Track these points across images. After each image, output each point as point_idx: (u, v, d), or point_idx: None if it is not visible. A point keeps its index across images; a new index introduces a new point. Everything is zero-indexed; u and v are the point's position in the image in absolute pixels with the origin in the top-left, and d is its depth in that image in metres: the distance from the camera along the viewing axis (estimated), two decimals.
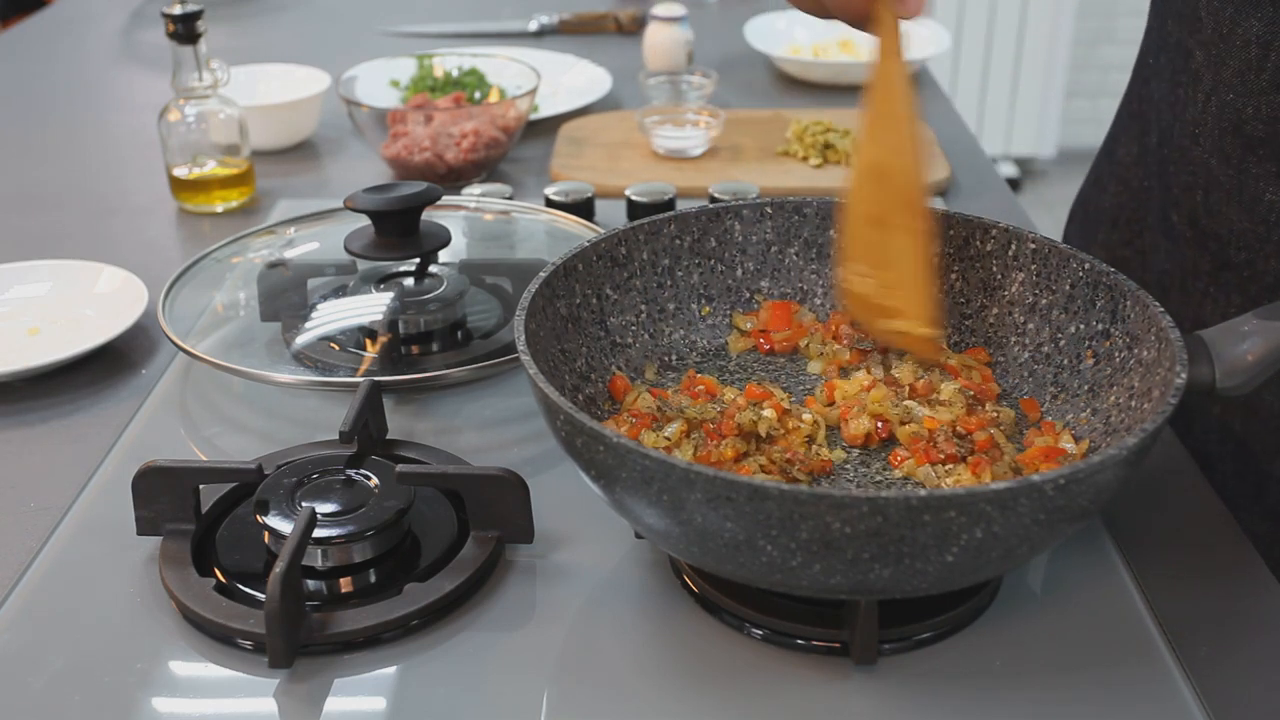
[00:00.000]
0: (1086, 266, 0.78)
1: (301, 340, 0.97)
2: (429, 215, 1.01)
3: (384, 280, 1.00)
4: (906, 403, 0.78)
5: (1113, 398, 0.75)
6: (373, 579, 0.73)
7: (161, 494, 0.75)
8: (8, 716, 0.66)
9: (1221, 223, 0.89)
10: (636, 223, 0.84)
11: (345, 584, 0.73)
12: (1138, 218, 1.02)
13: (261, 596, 0.70)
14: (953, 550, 0.60)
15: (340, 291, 1.02)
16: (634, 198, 1.16)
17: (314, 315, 1.00)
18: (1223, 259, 0.90)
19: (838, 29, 1.79)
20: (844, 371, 0.83)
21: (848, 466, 0.75)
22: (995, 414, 0.77)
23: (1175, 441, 0.89)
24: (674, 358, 0.86)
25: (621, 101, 1.58)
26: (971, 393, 0.78)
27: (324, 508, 0.73)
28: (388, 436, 0.85)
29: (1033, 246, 0.82)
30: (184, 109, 1.25)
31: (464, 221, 1.14)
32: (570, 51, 1.71)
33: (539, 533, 0.76)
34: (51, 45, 1.87)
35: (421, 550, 0.76)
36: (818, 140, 1.35)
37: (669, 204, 1.15)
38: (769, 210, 0.87)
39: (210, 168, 1.27)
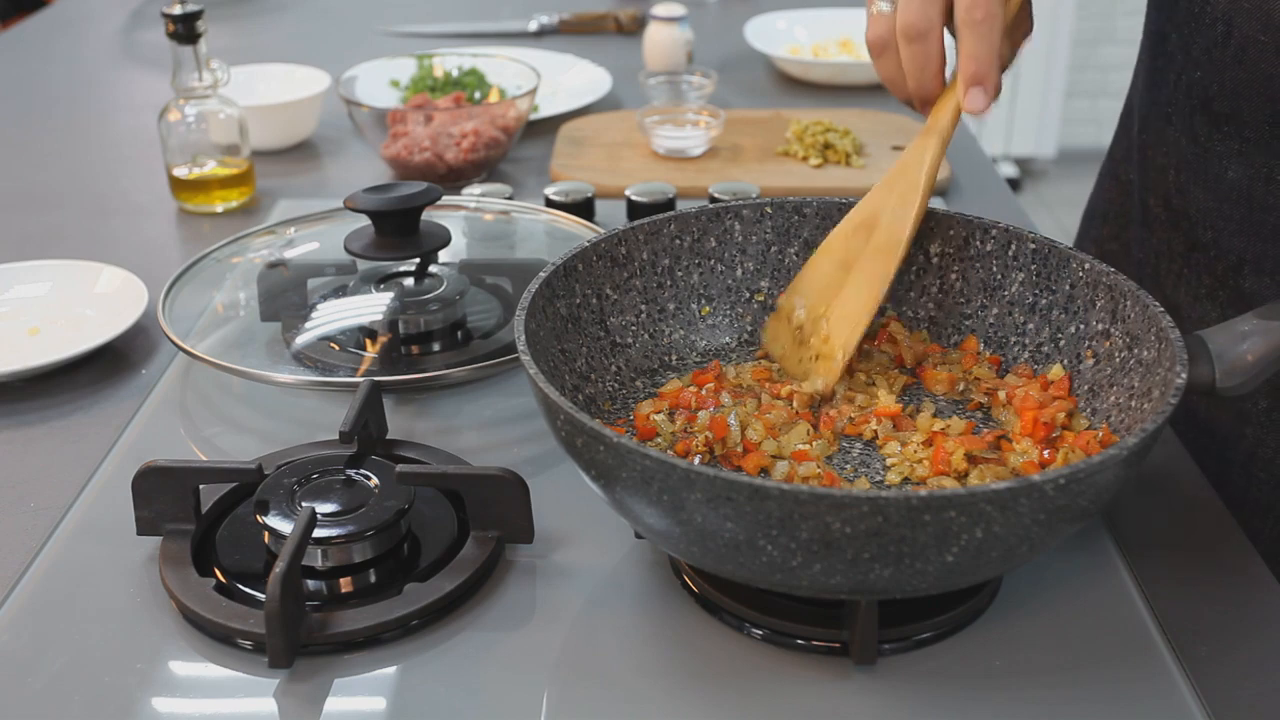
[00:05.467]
0: (1086, 266, 0.78)
1: (301, 340, 0.97)
2: (429, 215, 1.01)
3: (384, 280, 1.00)
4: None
5: (1113, 398, 0.75)
6: (372, 579, 0.73)
7: (161, 494, 0.75)
8: (8, 716, 0.66)
9: (1190, 202, 0.90)
10: (636, 223, 0.84)
11: (345, 584, 0.73)
12: (1124, 211, 1.03)
13: (261, 596, 0.70)
14: (953, 550, 0.60)
15: (340, 291, 1.02)
16: (634, 198, 1.16)
17: (314, 315, 1.00)
18: (1192, 239, 0.91)
19: (838, 28, 1.79)
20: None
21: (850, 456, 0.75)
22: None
23: (1175, 441, 0.89)
24: (674, 358, 0.86)
25: (621, 101, 1.58)
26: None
27: (324, 508, 0.73)
28: (388, 436, 0.85)
29: (1033, 246, 0.82)
30: (184, 109, 1.25)
31: (464, 221, 1.14)
32: (570, 51, 1.71)
33: (539, 533, 0.76)
34: (51, 45, 1.87)
35: (421, 550, 0.76)
36: (818, 140, 1.35)
37: (669, 204, 1.15)
38: (769, 210, 0.87)
39: (210, 168, 1.27)
